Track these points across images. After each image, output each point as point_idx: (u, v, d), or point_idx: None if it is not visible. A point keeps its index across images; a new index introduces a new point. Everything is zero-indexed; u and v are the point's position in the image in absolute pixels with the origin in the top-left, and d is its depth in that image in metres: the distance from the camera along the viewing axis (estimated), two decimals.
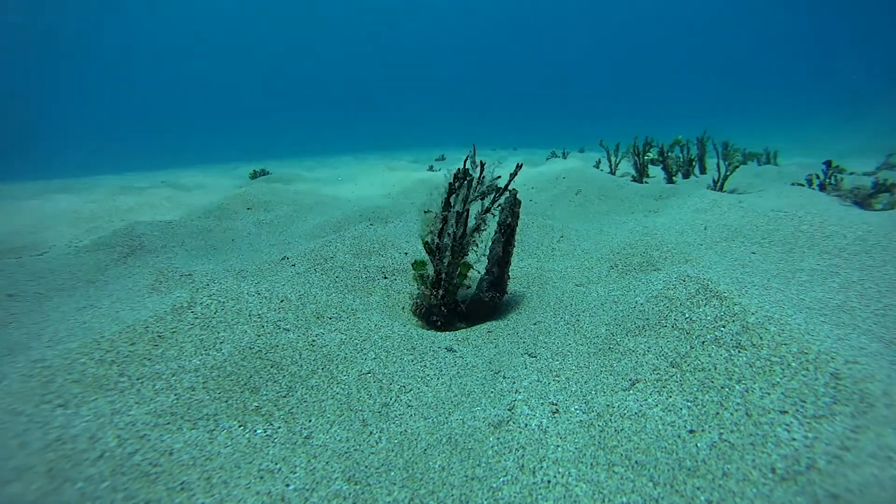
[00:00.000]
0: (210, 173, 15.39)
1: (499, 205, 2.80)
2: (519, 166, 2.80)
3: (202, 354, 2.10)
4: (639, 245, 3.67)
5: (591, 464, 1.50)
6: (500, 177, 2.76)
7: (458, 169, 2.68)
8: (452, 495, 1.42)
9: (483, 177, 2.72)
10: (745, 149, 9.70)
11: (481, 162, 2.73)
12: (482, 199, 2.75)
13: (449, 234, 2.70)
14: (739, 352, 1.83)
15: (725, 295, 2.19)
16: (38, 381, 1.86)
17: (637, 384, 1.88)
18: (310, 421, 1.80)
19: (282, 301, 2.65)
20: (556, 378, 2.07)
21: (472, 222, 2.77)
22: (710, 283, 2.34)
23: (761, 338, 1.85)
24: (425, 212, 2.76)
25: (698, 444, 1.50)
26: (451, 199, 2.69)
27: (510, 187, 2.79)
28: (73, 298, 3.15)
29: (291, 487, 1.46)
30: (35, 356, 2.05)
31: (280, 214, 5.95)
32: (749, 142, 12.20)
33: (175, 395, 1.85)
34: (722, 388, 1.71)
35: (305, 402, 1.91)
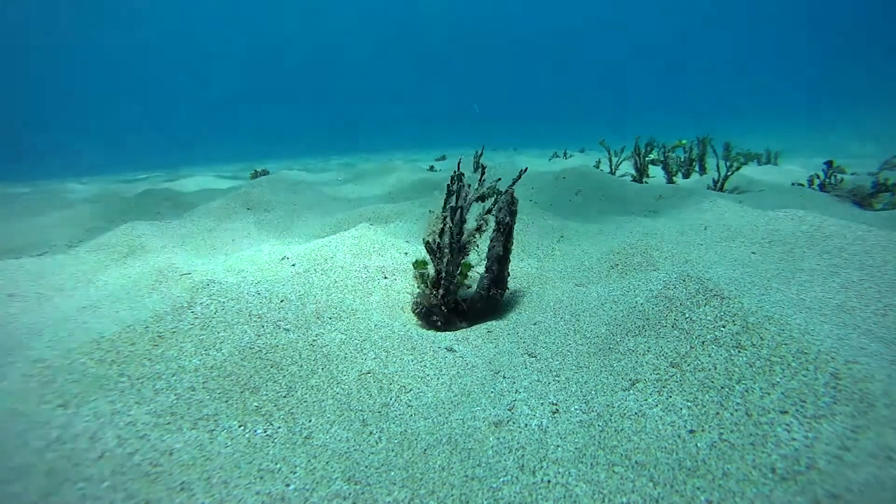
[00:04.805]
0: (210, 173, 15.39)
1: (498, 204, 2.85)
2: (524, 171, 2.93)
3: (202, 354, 2.10)
4: (639, 245, 3.67)
5: (591, 464, 1.50)
6: (500, 179, 2.83)
7: (454, 171, 2.73)
8: (452, 495, 1.42)
9: (484, 179, 2.78)
10: (747, 150, 9.69)
11: (482, 165, 2.80)
12: (482, 201, 2.81)
13: (449, 234, 2.73)
14: (739, 352, 1.83)
15: (725, 295, 2.19)
16: (38, 381, 1.86)
17: (637, 384, 1.88)
18: (310, 421, 1.80)
19: (282, 301, 2.65)
20: (556, 378, 2.07)
21: (472, 223, 2.81)
22: (710, 283, 2.34)
23: (761, 338, 1.85)
24: (430, 211, 2.79)
25: (698, 444, 1.50)
26: (451, 200, 2.72)
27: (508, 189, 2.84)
28: (73, 298, 3.15)
29: (291, 487, 1.46)
30: (35, 356, 2.05)
31: (280, 214, 5.95)
32: (749, 142, 12.20)
33: (175, 395, 1.85)
34: (722, 388, 1.71)
35: (305, 402, 1.91)
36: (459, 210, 2.72)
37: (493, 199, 2.84)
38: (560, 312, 2.80)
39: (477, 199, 2.80)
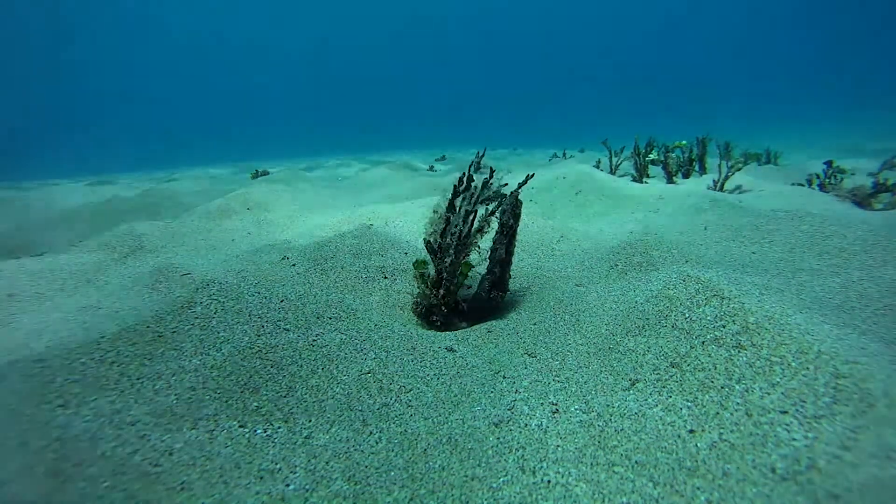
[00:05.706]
0: (211, 174, 15.40)
1: (502, 207, 2.87)
2: (530, 176, 2.98)
3: (202, 354, 2.10)
4: (639, 245, 3.67)
5: (591, 464, 1.50)
6: (507, 184, 2.85)
7: (463, 173, 2.75)
8: (452, 495, 1.42)
9: (491, 182, 2.79)
10: (747, 150, 9.69)
11: (491, 168, 2.81)
12: (487, 203, 2.82)
13: (452, 234, 2.74)
14: (739, 352, 1.83)
15: (725, 295, 2.19)
16: (38, 381, 1.86)
17: (637, 384, 1.88)
18: (310, 421, 1.80)
19: (282, 301, 2.65)
20: (556, 378, 2.07)
21: (474, 224, 2.82)
22: (710, 282, 2.34)
23: (761, 338, 1.85)
24: (434, 212, 2.80)
25: (698, 444, 1.50)
26: (456, 201, 2.73)
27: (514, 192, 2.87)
28: (73, 298, 3.15)
29: (291, 487, 1.46)
30: (35, 356, 2.05)
31: (280, 214, 5.95)
32: (749, 142, 12.19)
33: (175, 395, 1.85)
34: (722, 388, 1.71)
35: (305, 402, 1.91)
36: (474, 213, 2.75)
37: (496, 201, 2.86)
38: (560, 312, 2.80)
39: (482, 202, 2.81)
